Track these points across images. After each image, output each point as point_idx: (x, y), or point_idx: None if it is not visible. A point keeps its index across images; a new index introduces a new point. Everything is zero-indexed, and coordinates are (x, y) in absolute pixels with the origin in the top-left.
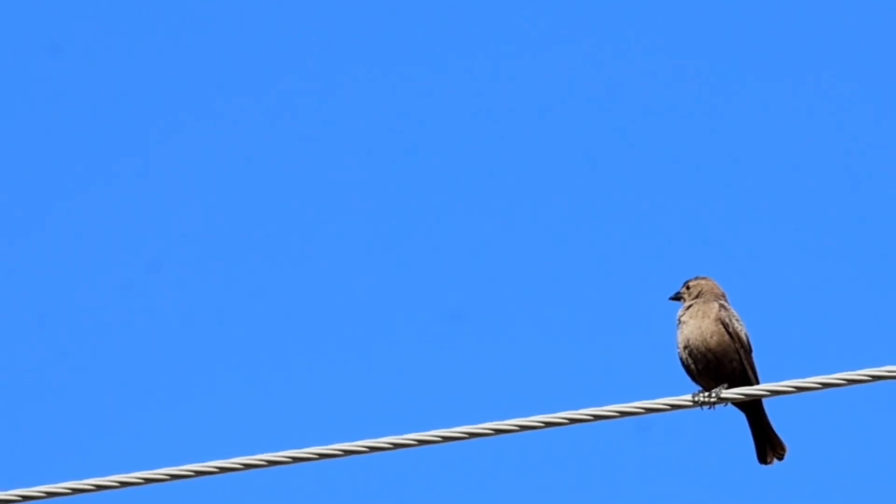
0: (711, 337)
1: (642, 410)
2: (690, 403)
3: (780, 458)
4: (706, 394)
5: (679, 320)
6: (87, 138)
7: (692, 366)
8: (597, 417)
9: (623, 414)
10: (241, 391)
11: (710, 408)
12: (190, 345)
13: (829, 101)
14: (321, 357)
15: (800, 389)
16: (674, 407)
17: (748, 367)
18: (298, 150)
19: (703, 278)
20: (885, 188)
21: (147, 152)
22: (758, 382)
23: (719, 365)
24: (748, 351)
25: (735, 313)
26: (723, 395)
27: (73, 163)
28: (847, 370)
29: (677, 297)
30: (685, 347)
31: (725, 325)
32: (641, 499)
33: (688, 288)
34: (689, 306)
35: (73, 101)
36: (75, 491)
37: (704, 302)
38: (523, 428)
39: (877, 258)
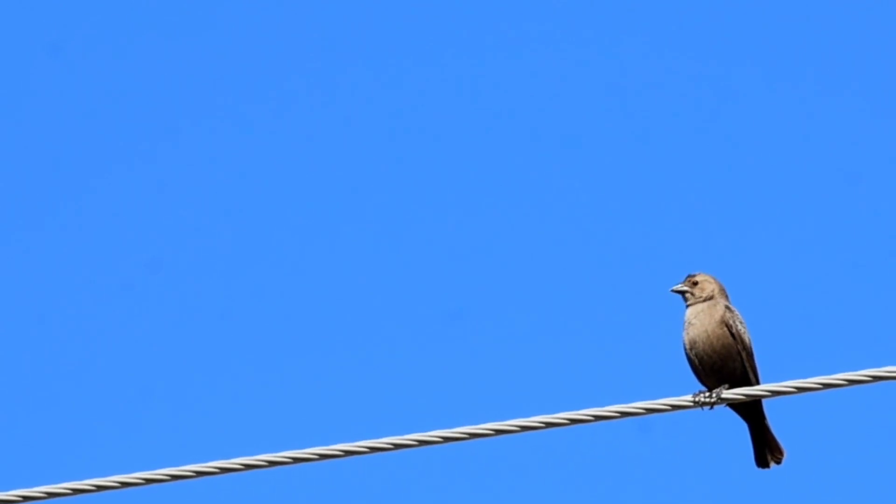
0: (717, 340)
1: (643, 411)
2: (691, 404)
3: (778, 462)
4: (707, 394)
5: (687, 321)
6: (87, 138)
7: (699, 367)
8: (597, 418)
9: (624, 414)
10: (241, 391)
11: (710, 408)
12: (190, 345)
13: (829, 101)
14: (321, 357)
15: (800, 390)
16: (674, 407)
17: (749, 369)
18: (298, 150)
19: (708, 276)
20: (885, 188)
21: (147, 152)
22: (758, 384)
23: (723, 366)
24: (750, 353)
25: (739, 315)
26: (723, 396)
27: (74, 163)
28: (848, 370)
29: (681, 292)
30: (692, 349)
31: (729, 327)
32: (641, 499)
33: (694, 284)
34: (698, 308)
35: (73, 101)
36: (76, 491)
37: (712, 304)
38: (524, 428)
39: (877, 258)
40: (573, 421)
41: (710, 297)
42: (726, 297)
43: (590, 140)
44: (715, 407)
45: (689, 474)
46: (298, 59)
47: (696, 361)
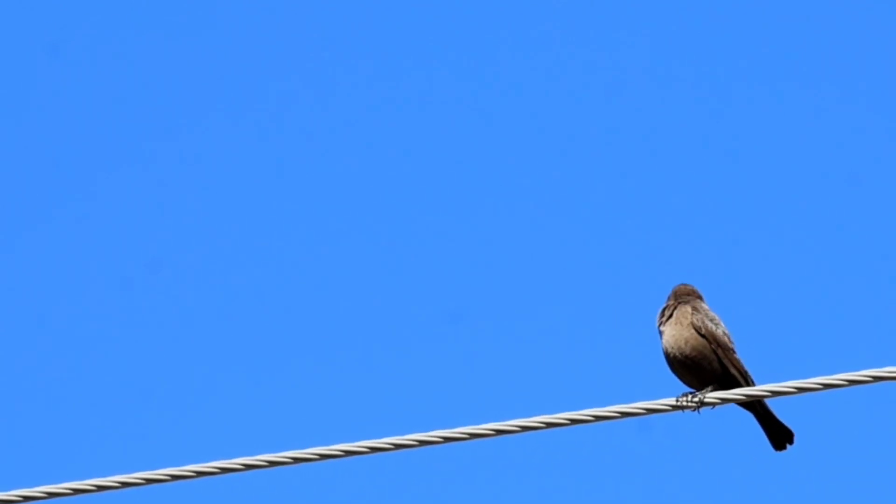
0: (686, 343)
1: (643, 411)
2: (689, 405)
3: (791, 443)
4: (688, 397)
5: (658, 330)
6: (87, 138)
7: (677, 372)
8: (598, 418)
9: (624, 414)
10: (241, 391)
11: (694, 411)
12: (190, 345)
13: (827, 101)
14: (321, 357)
15: (801, 390)
16: (675, 407)
17: (730, 366)
18: (298, 150)
19: (682, 284)
20: (884, 188)
21: (147, 152)
22: (745, 380)
23: (700, 368)
24: (727, 350)
25: (710, 313)
26: (706, 400)
27: (74, 163)
28: (848, 370)
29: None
30: (666, 357)
31: (698, 329)
32: (642, 499)
33: (675, 296)
34: (667, 315)
35: (72, 101)
36: (76, 491)
37: (679, 308)
38: (525, 429)
39: (877, 259)
40: (573, 421)
41: (680, 295)
42: (698, 297)
43: (589, 141)
44: (699, 410)
45: (690, 474)
46: (298, 59)
47: (674, 367)
